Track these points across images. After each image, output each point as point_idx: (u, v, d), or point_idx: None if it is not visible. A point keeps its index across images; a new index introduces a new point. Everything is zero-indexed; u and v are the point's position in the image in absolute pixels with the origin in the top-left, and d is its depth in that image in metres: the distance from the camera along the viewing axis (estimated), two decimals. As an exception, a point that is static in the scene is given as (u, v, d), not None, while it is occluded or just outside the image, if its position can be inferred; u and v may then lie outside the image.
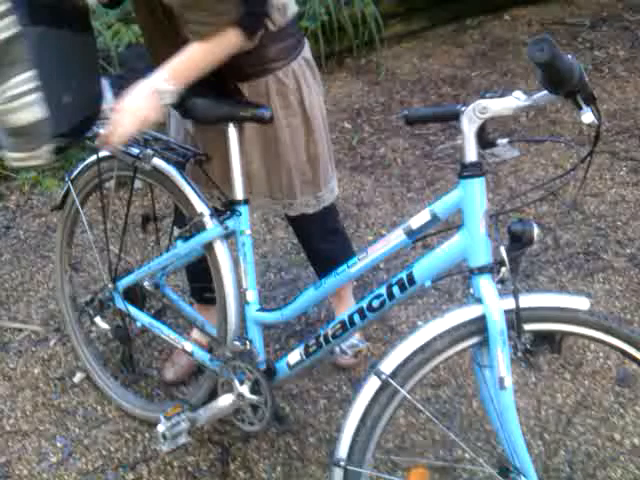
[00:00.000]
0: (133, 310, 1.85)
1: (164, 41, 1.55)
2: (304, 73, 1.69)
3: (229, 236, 1.63)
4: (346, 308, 1.98)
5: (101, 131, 1.52)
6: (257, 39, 1.51)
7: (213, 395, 1.70)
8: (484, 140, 1.22)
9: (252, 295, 1.61)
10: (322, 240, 1.95)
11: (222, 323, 1.67)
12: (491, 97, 1.18)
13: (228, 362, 1.63)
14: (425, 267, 1.29)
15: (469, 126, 1.19)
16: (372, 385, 1.24)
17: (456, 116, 1.22)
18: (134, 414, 1.95)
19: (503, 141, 1.23)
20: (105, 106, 1.56)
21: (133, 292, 1.86)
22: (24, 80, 1.38)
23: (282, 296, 2.36)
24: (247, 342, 1.61)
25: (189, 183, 1.66)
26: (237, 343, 1.62)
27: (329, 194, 1.86)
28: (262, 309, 1.62)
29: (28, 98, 1.38)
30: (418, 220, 1.29)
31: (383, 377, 1.22)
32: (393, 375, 1.22)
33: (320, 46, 3.80)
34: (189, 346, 1.78)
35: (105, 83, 1.59)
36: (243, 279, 1.61)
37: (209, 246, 1.64)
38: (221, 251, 1.64)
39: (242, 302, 1.62)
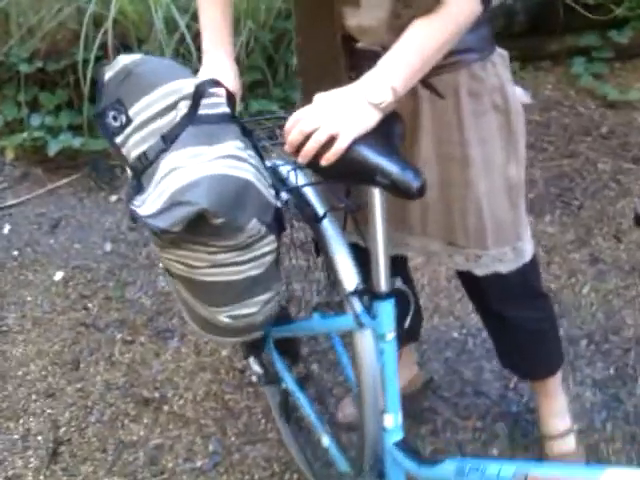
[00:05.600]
0: (281, 366, 1.49)
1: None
2: (507, 67, 1.21)
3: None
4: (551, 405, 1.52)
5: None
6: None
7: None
8: None
9: (391, 420, 1.11)
10: (516, 306, 1.35)
11: (360, 436, 1.21)
12: None
13: (360, 491, 1.19)
14: None
15: None
16: None
17: None
18: (288, 446, 1.65)
19: None
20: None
21: (286, 343, 1.50)
22: (264, 299, 1.16)
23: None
24: (377, 484, 1.14)
25: (343, 248, 1.17)
26: (368, 478, 1.16)
27: (529, 244, 1.29)
28: (402, 444, 1.12)
29: (263, 312, 1.18)
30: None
31: None
32: None
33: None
34: (326, 440, 1.37)
35: None
36: (380, 397, 1.12)
37: (349, 334, 1.16)
38: (361, 346, 1.14)
39: (380, 425, 1.14)
